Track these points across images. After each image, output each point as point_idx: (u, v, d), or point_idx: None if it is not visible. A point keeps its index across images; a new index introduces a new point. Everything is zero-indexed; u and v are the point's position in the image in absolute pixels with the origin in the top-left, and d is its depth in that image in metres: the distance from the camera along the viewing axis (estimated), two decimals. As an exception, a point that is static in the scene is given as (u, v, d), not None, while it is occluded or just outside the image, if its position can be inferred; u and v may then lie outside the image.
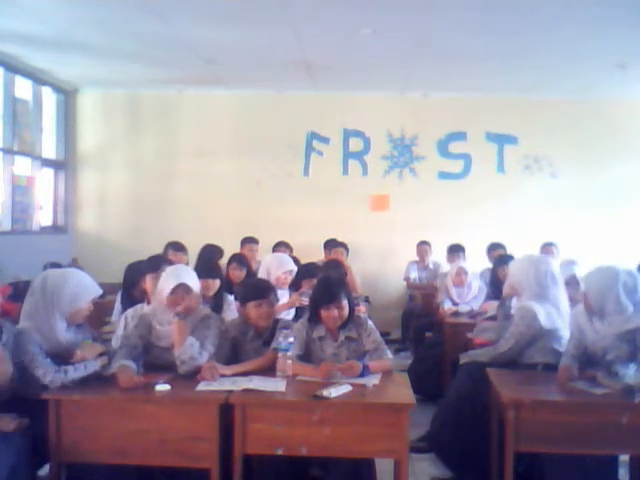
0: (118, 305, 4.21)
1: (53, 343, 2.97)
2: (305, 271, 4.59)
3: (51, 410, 2.78)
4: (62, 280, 3.05)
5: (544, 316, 3.47)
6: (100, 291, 3.19)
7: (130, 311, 3.73)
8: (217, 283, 4.06)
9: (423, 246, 7.23)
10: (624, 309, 3.13)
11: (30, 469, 2.71)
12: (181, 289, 3.16)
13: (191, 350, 3.06)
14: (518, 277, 3.66)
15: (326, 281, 3.43)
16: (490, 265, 5.84)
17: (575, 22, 5.11)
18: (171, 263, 4.00)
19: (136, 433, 2.78)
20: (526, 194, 7.66)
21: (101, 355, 3.03)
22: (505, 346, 3.57)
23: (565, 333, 3.51)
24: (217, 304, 3.99)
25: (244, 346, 3.35)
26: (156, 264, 3.87)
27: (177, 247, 5.09)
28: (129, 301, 4.01)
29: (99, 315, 3.90)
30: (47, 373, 2.84)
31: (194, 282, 3.24)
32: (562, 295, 3.62)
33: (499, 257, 5.60)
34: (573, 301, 3.74)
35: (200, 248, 5.36)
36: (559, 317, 3.54)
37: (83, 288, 3.09)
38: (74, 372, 2.88)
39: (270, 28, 5.38)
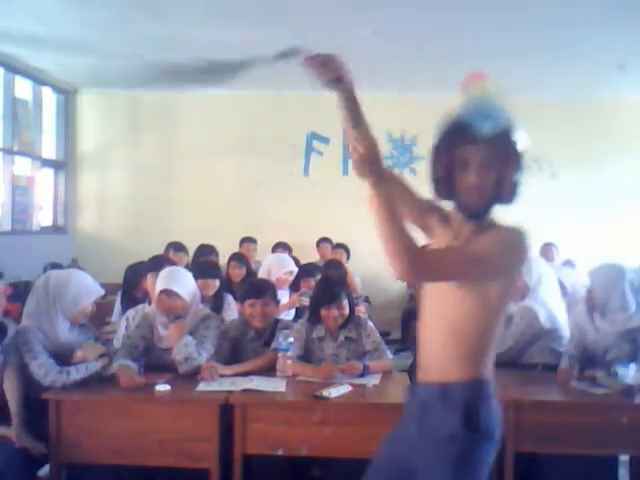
0: (118, 305, 4.21)
1: (55, 343, 2.98)
2: (304, 271, 4.59)
3: (51, 410, 2.78)
4: (65, 281, 3.05)
5: (544, 316, 3.48)
6: (102, 291, 3.20)
7: (131, 311, 3.73)
8: (216, 283, 4.05)
9: None
10: (628, 306, 3.13)
11: (24, 471, 2.71)
12: (165, 294, 3.16)
13: (186, 350, 3.05)
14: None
15: (327, 281, 3.44)
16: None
17: (574, 22, 5.11)
18: (172, 263, 4.01)
19: (136, 433, 2.78)
20: (526, 194, 7.61)
21: (102, 356, 3.03)
22: (505, 346, 3.57)
23: (565, 333, 3.51)
24: (217, 304, 3.99)
25: (244, 346, 3.36)
26: (158, 264, 3.88)
27: (178, 247, 5.08)
28: (130, 302, 4.01)
29: (99, 315, 3.90)
30: (49, 373, 2.85)
31: (183, 286, 3.20)
32: (550, 295, 3.62)
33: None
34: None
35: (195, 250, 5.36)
36: (560, 316, 3.54)
37: (86, 288, 3.10)
38: (76, 373, 2.89)
39: (270, 28, 5.37)
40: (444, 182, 1.78)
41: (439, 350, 1.80)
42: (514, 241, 1.76)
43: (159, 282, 3.21)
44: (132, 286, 4.13)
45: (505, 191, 1.76)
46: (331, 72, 1.78)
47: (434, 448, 1.76)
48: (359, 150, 1.66)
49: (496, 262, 1.71)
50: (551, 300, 3.61)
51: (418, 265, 1.64)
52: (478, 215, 1.78)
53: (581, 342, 3.28)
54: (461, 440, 1.72)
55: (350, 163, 1.70)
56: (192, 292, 3.25)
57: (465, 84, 1.81)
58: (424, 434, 1.79)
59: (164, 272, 3.30)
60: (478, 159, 1.72)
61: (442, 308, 1.80)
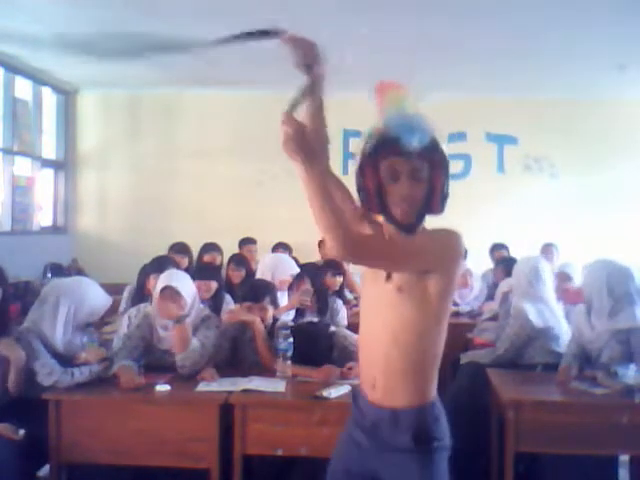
0: (123, 303, 4.22)
1: (50, 349, 2.98)
2: (302, 271, 4.58)
3: (51, 410, 2.79)
4: (80, 293, 3.08)
5: (535, 315, 3.49)
6: (110, 300, 3.24)
7: (133, 310, 3.73)
8: (212, 285, 4.02)
9: None
10: (607, 304, 3.12)
11: (24, 471, 2.71)
12: (168, 291, 3.14)
13: (194, 355, 3.06)
14: (514, 279, 3.72)
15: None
16: (492, 265, 5.85)
17: (574, 22, 5.11)
18: (176, 264, 4.00)
19: (136, 433, 2.78)
20: (526, 194, 7.65)
21: (104, 360, 3.05)
22: (501, 348, 3.58)
23: (561, 331, 3.53)
24: (216, 304, 3.98)
25: (243, 346, 3.36)
26: (161, 264, 3.87)
27: (178, 249, 5.05)
28: (140, 300, 4.00)
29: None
30: (53, 373, 2.86)
31: (184, 286, 3.18)
32: (550, 293, 3.65)
33: (499, 259, 5.61)
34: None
35: (199, 248, 5.36)
36: (552, 315, 3.55)
37: (100, 300, 3.15)
38: (79, 375, 2.90)
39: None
40: (374, 196, 1.77)
41: (383, 364, 1.77)
42: (449, 239, 1.75)
43: (160, 282, 3.21)
44: (141, 286, 4.12)
45: (436, 202, 1.75)
46: (306, 57, 1.85)
47: (394, 459, 1.76)
48: (287, 130, 1.66)
49: (430, 254, 1.70)
50: (551, 296, 3.63)
51: (351, 242, 1.62)
52: (410, 228, 1.76)
53: (579, 342, 3.29)
54: (417, 451, 1.72)
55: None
56: (192, 293, 3.25)
57: (378, 95, 1.80)
58: (380, 448, 1.78)
59: (165, 274, 3.30)
60: (409, 169, 1.71)
61: (382, 317, 1.77)
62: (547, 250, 6.21)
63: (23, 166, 6.99)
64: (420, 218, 1.77)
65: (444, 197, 1.77)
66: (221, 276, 4.46)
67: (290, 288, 4.49)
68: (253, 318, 3.30)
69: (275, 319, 3.45)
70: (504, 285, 4.10)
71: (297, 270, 4.54)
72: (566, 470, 3.07)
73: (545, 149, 7.71)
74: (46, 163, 7.47)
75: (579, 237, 7.18)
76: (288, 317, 4.12)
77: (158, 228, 7.36)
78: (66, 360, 2.97)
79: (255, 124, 7.68)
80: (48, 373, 2.86)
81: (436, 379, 1.80)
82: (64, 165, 7.80)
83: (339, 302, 4.55)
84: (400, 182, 1.73)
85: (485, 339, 4.13)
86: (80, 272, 6.11)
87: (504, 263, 5.10)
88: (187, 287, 3.22)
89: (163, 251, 4.98)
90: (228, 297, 4.15)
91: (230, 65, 6.60)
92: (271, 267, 4.49)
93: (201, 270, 4.09)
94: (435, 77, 6.98)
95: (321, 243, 6.80)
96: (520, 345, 3.51)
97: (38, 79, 7.07)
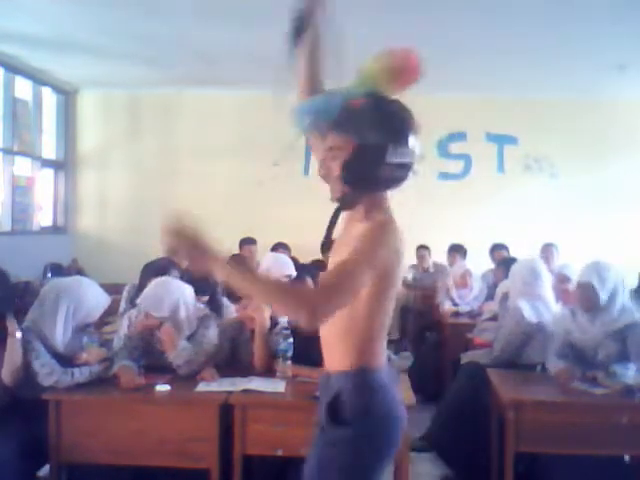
0: (123, 303, 4.22)
1: (51, 350, 2.98)
2: (301, 272, 4.56)
3: (51, 411, 2.78)
4: (80, 293, 3.07)
5: (529, 311, 3.49)
6: (109, 300, 3.23)
7: (133, 310, 3.72)
8: (203, 298, 3.90)
9: (421, 251, 7.09)
10: (615, 305, 3.13)
11: (23, 471, 2.71)
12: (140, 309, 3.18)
13: (185, 354, 3.06)
14: (509, 280, 3.73)
15: None
16: (492, 266, 5.85)
17: (575, 22, 5.11)
18: (177, 266, 3.98)
19: (136, 433, 2.78)
20: (526, 194, 7.65)
21: (104, 360, 3.05)
22: (498, 349, 3.58)
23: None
24: (212, 310, 3.95)
25: (240, 347, 3.35)
26: (162, 266, 3.85)
27: None
28: None
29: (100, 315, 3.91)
30: (53, 373, 2.85)
31: (157, 306, 3.13)
32: (547, 291, 3.66)
33: (499, 259, 5.61)
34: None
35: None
36: (547, 311, 3.55)
37: (99, 300, 3.15)
38: (79, 375, 2.90)
39: (270, 28, 5.37)
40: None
41: (324, 338, 1.81)
42: (385, 236, 1.73)
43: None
44: (142, 287, 4.09)
45: (344, 173, 1.73)
46: None
47: (315, 439, 1.74)
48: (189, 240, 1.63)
49: (365, 272, 1.61)
50: (542, 296, 3.63)
51: (318, 313, 1.51)
52: (340, 204, 1.84)
53: (566, 341, 3.27)
54: (327, 434, 1.67)
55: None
56: (172, 305, 3.17)
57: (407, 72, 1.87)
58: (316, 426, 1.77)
59: (150, 285, 3.30)
60: (325, 147, 1.75)
61: None
62: (547, 250, 6.20)
63: (23, 166, 7.00)
64: (350, 194, 1.77)
65: (353, 168, 1.70)
66: (212, 285, 4.38)
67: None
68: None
69: (271, 319, 3.44)
70: (503, 286, 4.10)
71: (293, 272, 4.51)
72: (566, 470, 3.07)
73: (545, 149, 7.71)
74: (46, 163, 7.48)
75: (579, 237, 7.18)
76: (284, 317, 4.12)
77: (158, 228, 7.32)
78: (66, 360, 2.96)
79: (255, 124, 7.68)
80: (48, 373, 2.85)
81: (379, 351, 1.74)
82: (64, 165, 7.80)
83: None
84: (320, 160, 1.78)
85: (485, 339, 4.14)
86: (80, 272, 6.11)
87: (504, 263, 5.10)
88: (162, 305, 3.15)
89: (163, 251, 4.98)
90: (227, 302, 4.13)
91: (230, 65, 6.60)
92: (267, 266, 4.47)
93: (192, 283, 3.87)
94: (435, 77, 6.97)
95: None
96: (518, 344, 3.50)
97: (38, 79, 7.08)
